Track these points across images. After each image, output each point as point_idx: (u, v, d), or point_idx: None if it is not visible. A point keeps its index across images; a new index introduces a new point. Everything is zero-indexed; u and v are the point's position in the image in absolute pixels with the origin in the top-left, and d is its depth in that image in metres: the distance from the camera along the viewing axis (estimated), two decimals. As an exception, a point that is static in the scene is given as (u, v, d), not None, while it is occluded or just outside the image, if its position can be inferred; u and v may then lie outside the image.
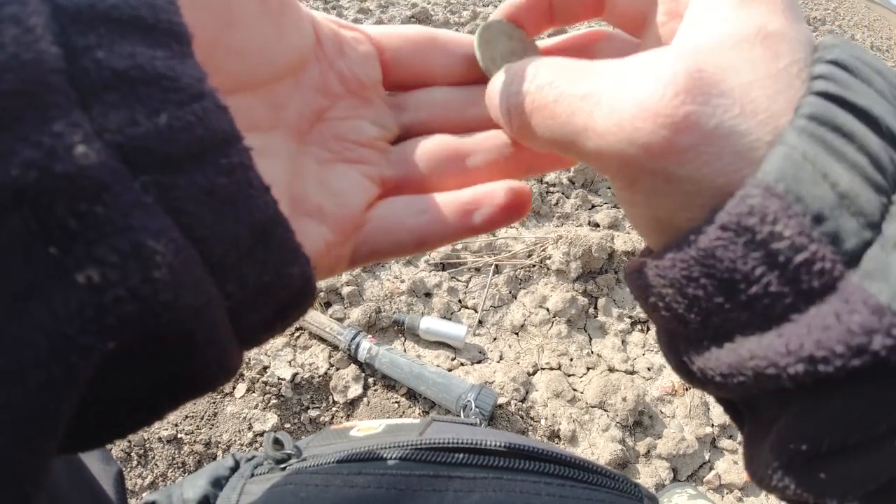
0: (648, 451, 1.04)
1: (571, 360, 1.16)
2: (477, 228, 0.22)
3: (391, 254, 0.22)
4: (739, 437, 1.09)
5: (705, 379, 0.16)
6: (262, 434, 0.98)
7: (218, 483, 0.40)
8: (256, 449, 0.96)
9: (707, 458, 1.06)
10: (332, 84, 0.23)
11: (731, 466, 1.05)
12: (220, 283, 0.14)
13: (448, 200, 0.22)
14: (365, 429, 0.46)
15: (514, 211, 0.23)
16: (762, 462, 0.17)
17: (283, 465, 0.39)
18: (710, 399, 1.12)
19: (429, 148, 0.24)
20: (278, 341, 1.10)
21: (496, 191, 0.22)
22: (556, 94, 0.17)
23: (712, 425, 1.09)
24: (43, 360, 0.11)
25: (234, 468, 0.42)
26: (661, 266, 0.16)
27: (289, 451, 0.40)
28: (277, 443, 0.41)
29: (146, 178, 0.13)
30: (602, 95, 0.16)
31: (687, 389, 1.13)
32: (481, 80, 0.24)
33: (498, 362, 1.14)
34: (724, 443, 1.08)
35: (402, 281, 1.22)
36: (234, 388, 1.04)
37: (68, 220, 0.11)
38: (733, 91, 0.15)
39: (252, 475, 0.39)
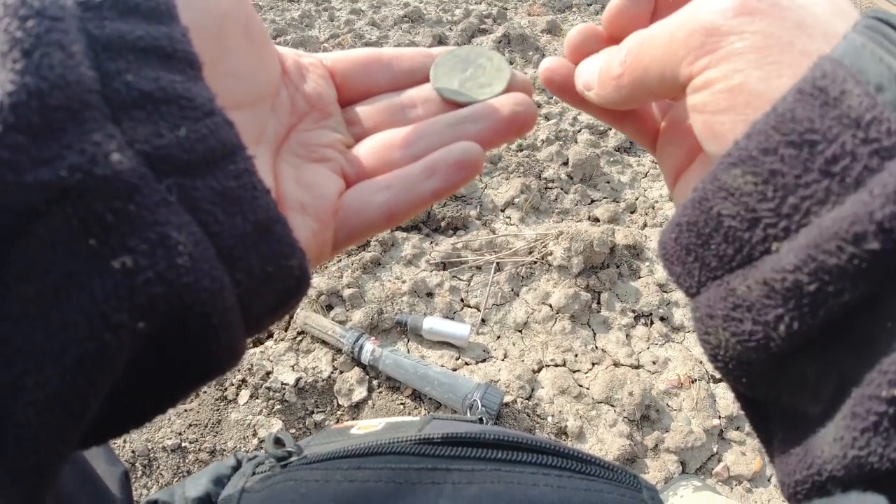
0: (656, 445, 1.04)
1: (576, 356, 1.15)
2: (438, 191, 0.24)
3: (366, 232, 0.24)
4: (747, 427, 1.08)
5: (768, 299, 0.16)
6: (267, 439, 0.98)
7: (220, 482, 0.40)
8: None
9: (715, 450, 1.05)
10: (298, 104, 0.26)
11: (739, 458, 1.04)
12: (231, 271, 0.17)
13: (407, 173, 0.24)
14: (365, 427, 0.46)
15: (468, 167, 0.24)
16: (825, 447, 0.16)
17: (284, 464, 0.40)
18: (717, 390, 1.12)
19: (377, 142, 0.26)
20: (280, 346, 1.10)
21: (448, 152, 0.24)
22: (652, 32, 0.21)
23: (719, 417, 1.08)
24: (81, 338, 0.13)
25: (237, 467, 0.42)
26: (736, 150, 0.17)
27: (290, 450, 0.40)
28: (279, 442, 0.41)
29: (169, 181, 0.15)
30: (687, 7, 0.20)
31: (693, 382, 1.12)
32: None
33: (502, 360, 1.14)
34: (732, 434, 1.08)
35: (404, 281, 1.22)
36: (237, 394, 1.04)
37: (106, 216, 0.13)
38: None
39: (253, 473, 0.39)
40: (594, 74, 0.24)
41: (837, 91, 0.15)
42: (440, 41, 1.92)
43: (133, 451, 0.95)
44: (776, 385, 0.17)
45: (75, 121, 0.13)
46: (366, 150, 0.26)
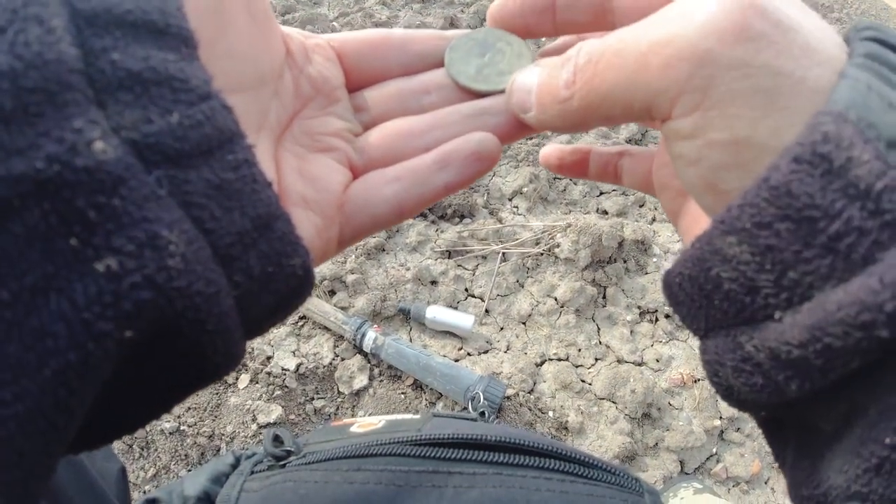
0: (657, 444, 1.03)
1: (580, 350, 1.15)
2: (451, 184, 0.23)
3: (373, 227, 0.23)
4: (747, 429, 1.08)
5: (775, 363, 0.15)
6: (266, 426, 0.98)
7: (218, 480, 0.39)
8: (259, 442, 0.97)
9: (715, 450, 1.05)
10: (303, 88, 0.24)
11: (738, 459, 1.04)
12: (228, 272, 0.15)
13: (418, 164, 0.23)
14: (365, 425, 0.45)
15: (484, 160, 0.23)
16: (831, 473, 0.16)
17: (282, 463, 0.39)
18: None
19: (387, 131, 0.25)
20: (281, 331, 1.09)
21: (463, 143, 0.23)
22: (613, 49, 0.18)
23: (721, 418, 1.08)
24: (61, 347, 0.12)
25: (235, 465, 0.41)
26: (728, 219, 0.15)
27: (288, 448, 0.40)
28: (277, 440, 0.41)
29: (160, 173, 0.14)
30: (660, 20, 0.17)
31: (696, 381, 1.11)
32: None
33: (505, 352, 1.13)
34: (732, 435, 1.07)
35: (408, 269, 1.21)
36: (237, 378, 1.04)
37: (88, 212, 0.12)
38: (790, 16, 0.16)
39: (252, 472, 0.39)
40: (531, 94, 0.21)
41: (843, 158, 0.13)
42: (452, 23, 1.88)
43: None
44: (791, 412, 0.17)
45: (54, 104, 0.12)
46: (375, 140, 0.24)
